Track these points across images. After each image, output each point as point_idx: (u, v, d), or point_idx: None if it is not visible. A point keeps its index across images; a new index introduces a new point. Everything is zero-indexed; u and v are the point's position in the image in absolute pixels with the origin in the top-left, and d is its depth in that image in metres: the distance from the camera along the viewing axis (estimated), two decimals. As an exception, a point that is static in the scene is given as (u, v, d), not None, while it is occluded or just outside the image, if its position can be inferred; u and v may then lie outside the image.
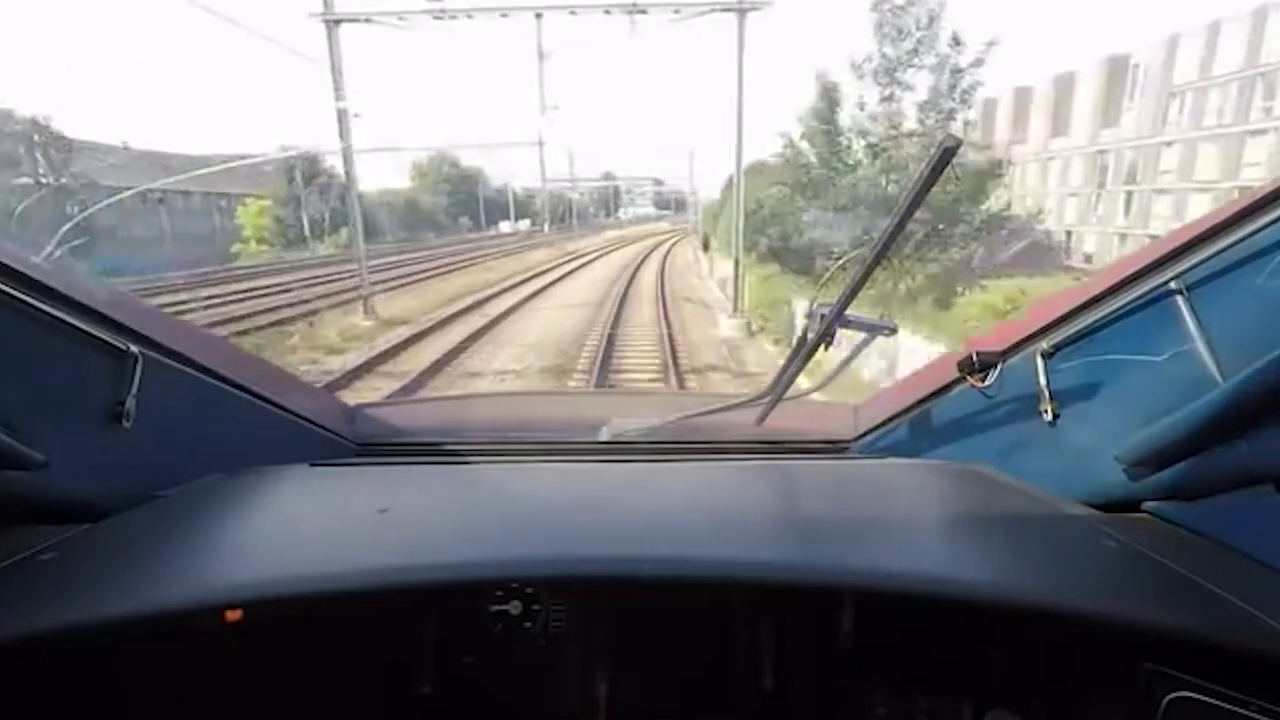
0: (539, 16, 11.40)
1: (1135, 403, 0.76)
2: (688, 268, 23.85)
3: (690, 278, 20.79)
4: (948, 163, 0.77)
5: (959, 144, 0.75)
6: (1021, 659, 0.84)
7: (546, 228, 37.05)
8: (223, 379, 0.97)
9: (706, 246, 24.74)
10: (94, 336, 0.76)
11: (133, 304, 0.92)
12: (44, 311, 0.70)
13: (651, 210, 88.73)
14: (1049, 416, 0.85)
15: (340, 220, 31.10)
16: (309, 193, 31.51)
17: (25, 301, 0.68)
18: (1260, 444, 0.60)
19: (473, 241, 39.55)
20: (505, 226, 54.81)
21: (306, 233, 28.86)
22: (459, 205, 52.38)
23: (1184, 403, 0.65)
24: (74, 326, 0.73)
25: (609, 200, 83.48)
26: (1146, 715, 0.67)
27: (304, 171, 31.65)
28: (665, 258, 26.60)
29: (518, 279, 18.16)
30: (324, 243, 29.99)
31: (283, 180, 32.40)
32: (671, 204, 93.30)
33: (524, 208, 61.53)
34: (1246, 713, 0.60)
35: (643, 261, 25.13)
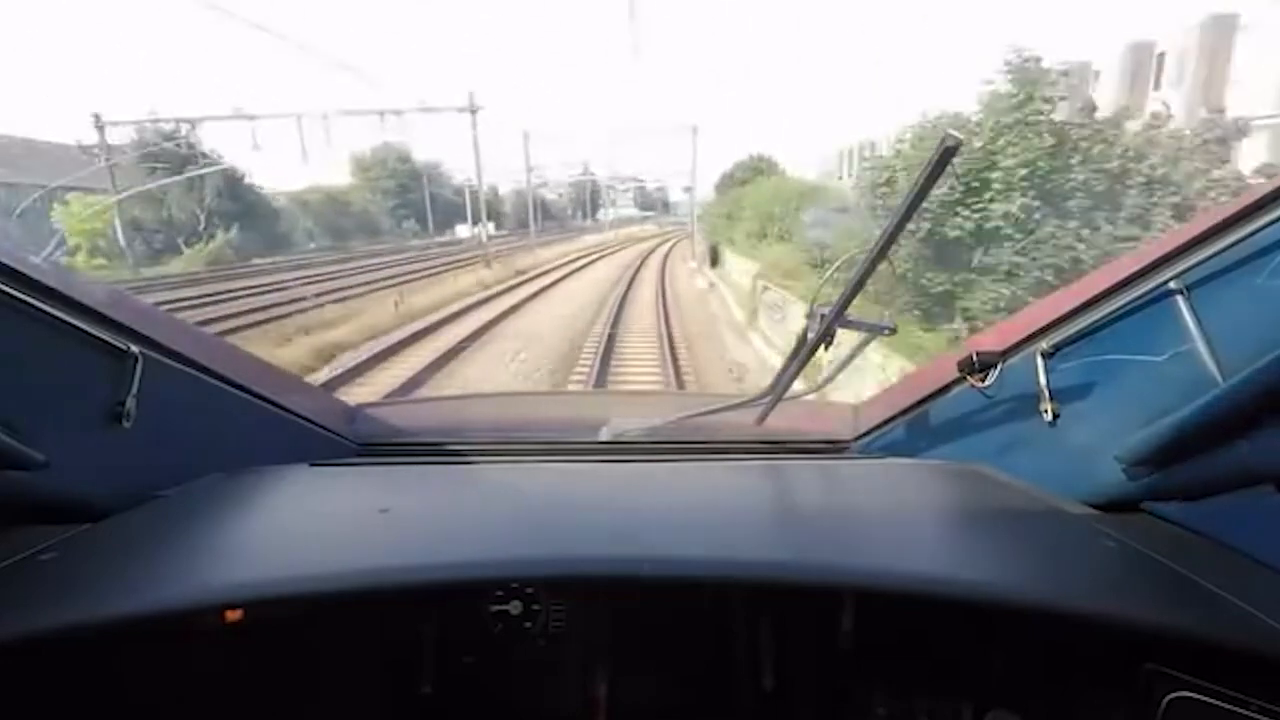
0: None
1: (1135, 403, 0.76)
2: (701, 303, 14.03)
3: (720, 333, 10.60)
4: (948, 162, 0.77)
5: (960, 143, 0.75)
6: (1021, 659, 0.84)
7: (484, 237, 24.33)
8: (223, 379, 0.98)
9: (715, 261, 19.68)
10: (94, 336, 0.76)
11: (133, 304, 0.92)
12: (44, 311, 0.70)
13: (634, 211, 78.66)
14: (1049, 416, 0.85)
15: (226, 221, 24.16)
16: (177, 186, 22.71)
17: (25, 301, 0.68)
18: (1260, 444, 0.60)
19: (410, 252, 29.52)
20: (462, 231, 45.00)
21: (122, 242, 20.45)
22: (409, 206, 43.34)
23: (1184, 403, 0.65)
24: (74, 326, 0.73)
25: (585, 201, 71.08)
26: (1146, 715, 0.67)
27: (162, 156, 22.35)
28: (662, 280, 17.44)
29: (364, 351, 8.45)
30: (189, 255, 22.34)
31: (140, 168, 22.34)
32: (657, 204, 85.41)
33: (489, 209, 54.68)
34: (1246, 713, 0.60)
35: (629, 288, 15.47)
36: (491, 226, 49.69)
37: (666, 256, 27.03)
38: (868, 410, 1.29)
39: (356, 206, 39.45)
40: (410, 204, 43.14)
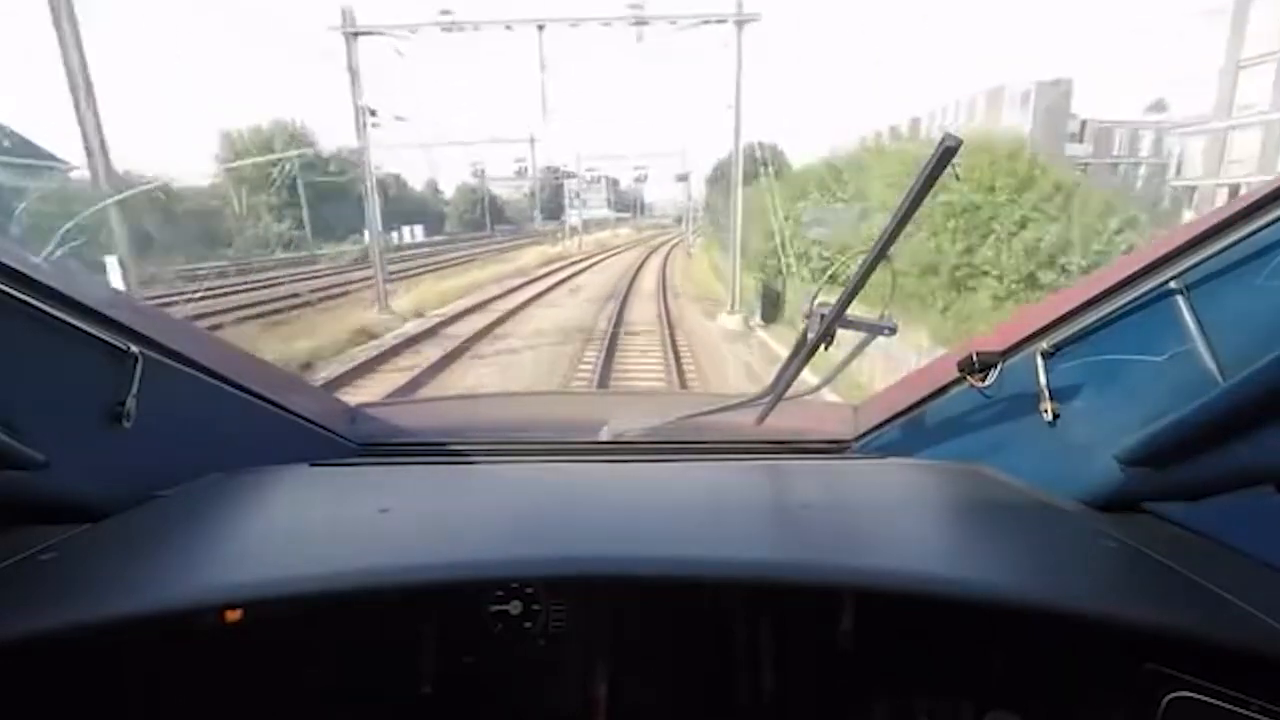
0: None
1: (1135, 403, 0.76)
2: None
3: None
4: (948, 162, 0.77)
5: (959, 143, 0.75)
6: (1021, 659, 0.84)
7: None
8: (223, 379, 0.98)
9: (776, 308, 7.70)
10: (94, 336, 0.76)
11: (133, 304, 0.92)
12: (44, 311, 0.70)
13: (607, 212, 62.54)
14: (1049, 416, 0.85)
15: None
16: None
17: (25, 301, 0.68)
18: (1260, 444, 0.60)
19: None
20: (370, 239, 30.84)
21: None
22: (319, 206, 29.51)
23: (1184, 403, 0.65)
24: (74, 326, 0.73)
25: (537, 198, 50.50)
26: (1146, 715, 0.67)
27: None
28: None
29: None
30: None
31: None
32: (633, 204, 75.95)
33: (424, 208, 41.35)
34: (1246, 713, 0.60)
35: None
36: (419, 231, 36.50)
37: (663, 291, 14.74)
38: (868, 410, 1.29)
39: (203, 206, 25.03)
40: (309, 205, 30.10)
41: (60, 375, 0.76)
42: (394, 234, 35.51)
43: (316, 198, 29.39)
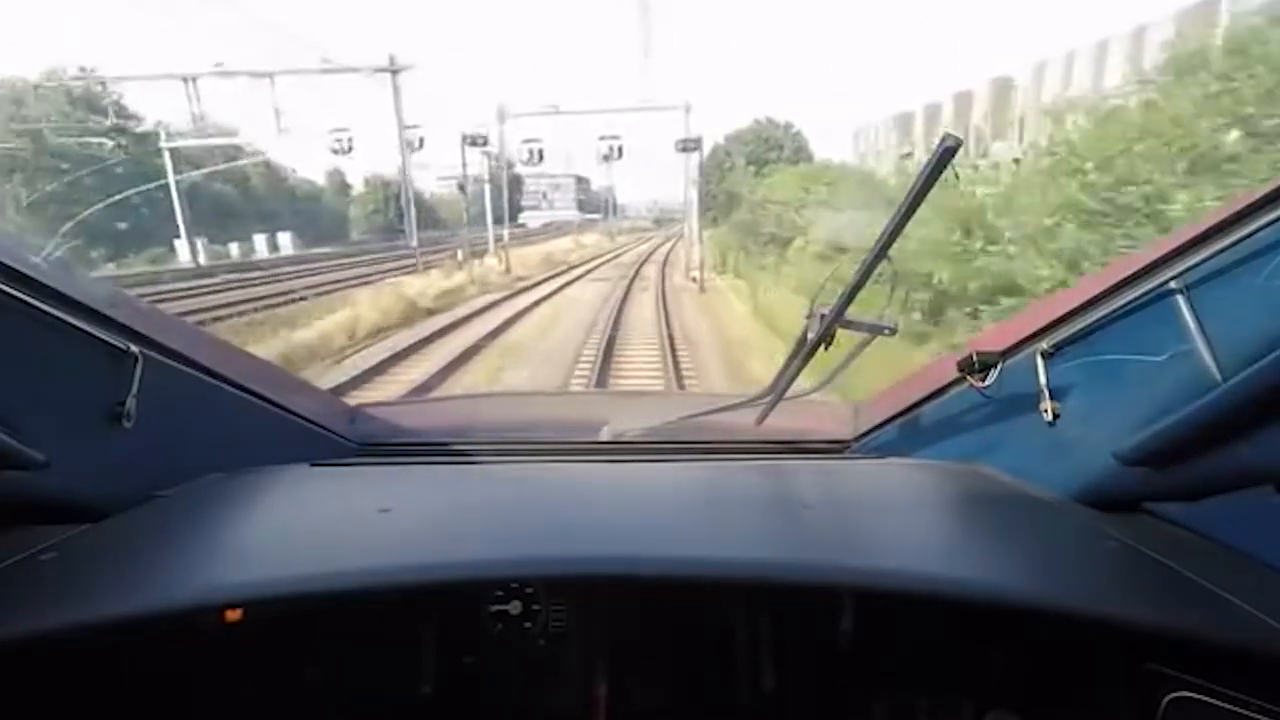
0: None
1: (1135, 402, 0.76)
2: None
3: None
4: (948, 162, 0.77)
5: (959, 143, 0.75)
6: (1021, 659, 0.84)
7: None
8: (223, 379, 0.98)
9: None
10: (94, 336, 0.76)
11: (133, 304, 0.92)
12: (44, 311, 0.70)
13: (574, 214, 53.90)
14: (1049, 416, 0.85)
15: None
16: None
17: (25, 301, 0.68)
18: (1260, 444, 0.60)
19: None
20: (182, 251, 22.00)
21: None
22: (93, 195, 10.41)
23: (1184, 403, 0.65)
24: (74, 326, 0.73)
25: (481, 199, 23.89)
26: (1146, 715, 0.67)
27: None
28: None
29: None
30: None
31: None
32: (604, 206, 65.76)
33: (315, 207, 30.19)
34: (1246, 713, 0.60)
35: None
36: (285, 240, 27.47)
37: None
38: (868, 410, 1.29)
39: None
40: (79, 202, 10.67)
41: (60, 375, 0.76)
42: (233, 245, 25.57)
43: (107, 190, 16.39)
